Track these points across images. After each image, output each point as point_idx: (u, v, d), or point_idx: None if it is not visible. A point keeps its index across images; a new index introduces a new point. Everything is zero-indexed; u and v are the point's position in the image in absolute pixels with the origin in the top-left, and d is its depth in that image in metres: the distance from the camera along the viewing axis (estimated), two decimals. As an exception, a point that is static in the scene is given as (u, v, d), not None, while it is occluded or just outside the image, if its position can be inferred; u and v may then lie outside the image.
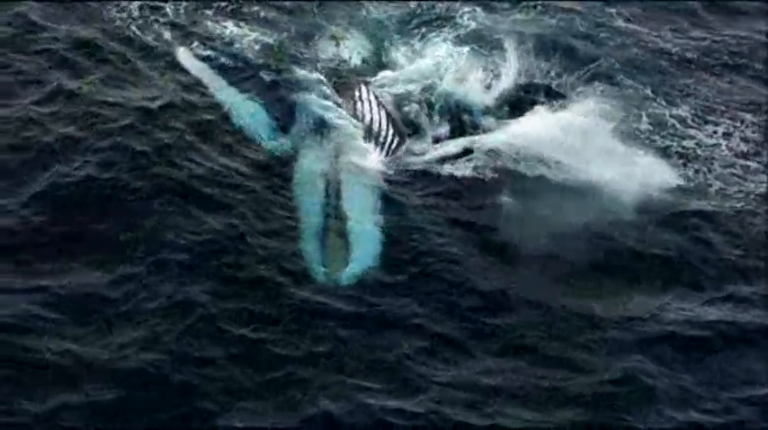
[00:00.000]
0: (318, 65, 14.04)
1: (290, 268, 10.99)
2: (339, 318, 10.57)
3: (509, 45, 14.49)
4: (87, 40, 13.69)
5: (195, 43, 14.02)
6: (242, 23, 14.72)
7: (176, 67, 13.60)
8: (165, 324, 10.16)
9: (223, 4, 15.09)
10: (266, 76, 13.63)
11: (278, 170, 12.22)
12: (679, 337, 10.78)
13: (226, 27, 14.58)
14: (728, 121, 13.96)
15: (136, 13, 14.55)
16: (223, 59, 13.83)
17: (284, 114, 13.08)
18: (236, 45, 14.20)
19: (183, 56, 13.75)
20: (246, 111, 12.96)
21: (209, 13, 14.90)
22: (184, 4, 14.98)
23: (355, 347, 10.32)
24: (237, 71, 13.68)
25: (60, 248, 10.73)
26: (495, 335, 10.68)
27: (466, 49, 14.62)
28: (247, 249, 11.09)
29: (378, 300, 10.85)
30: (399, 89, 13.82)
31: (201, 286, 10.57)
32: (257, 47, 14.22)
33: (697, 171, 13.05)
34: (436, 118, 13.47)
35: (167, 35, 14.17)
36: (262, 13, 15.05)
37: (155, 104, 12.66)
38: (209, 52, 13.93)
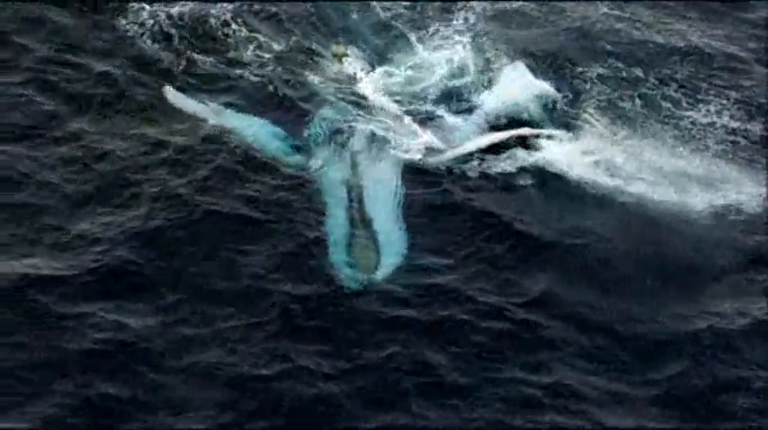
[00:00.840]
0: (324, 81, 14.37)
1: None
2: (393, 323, 11.16)
3: (509, 42, 15.20)
4: (105, 71, 13.94)
5: (193, 75, 14.15)
6: (242, 42, 14.98)
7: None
8: (246, 346, 10.79)
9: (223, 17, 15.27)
10: (275, 98, 13.97)
11: (308, 183, 12.72)
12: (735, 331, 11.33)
13: (226, 47, 14.84)
14: (716, 100, 14.78)
15: (148, 21, 14.97)
16: (226, 86, 14.12)
17: (299, 131, 13.46)
18: (238, 67, 14.46)
19: (174, 96, 13.70)
20: (261, 133, 13.21)
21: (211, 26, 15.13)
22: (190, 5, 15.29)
23: (417, 350, 10.91)
24: (243, 96, 14.00)
25: (125, 286, 11.27)
26: (551, 335, 11.16)
27: (469, 46, 15.11)
28: (302, 265, 11.64)
29: (421, 301, 11.41)
30: (409, 96, 14.23)
31: (269, 306, 11.15)
32: (259, 67, 14.48)
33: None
34: (449, 118, 13.91)
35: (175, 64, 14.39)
36: (262, 30, 15.25)
37: (183, 139, 13.08)
38: (211, 78, 14.17)
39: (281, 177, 12.77)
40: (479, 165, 13.14)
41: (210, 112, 13.45)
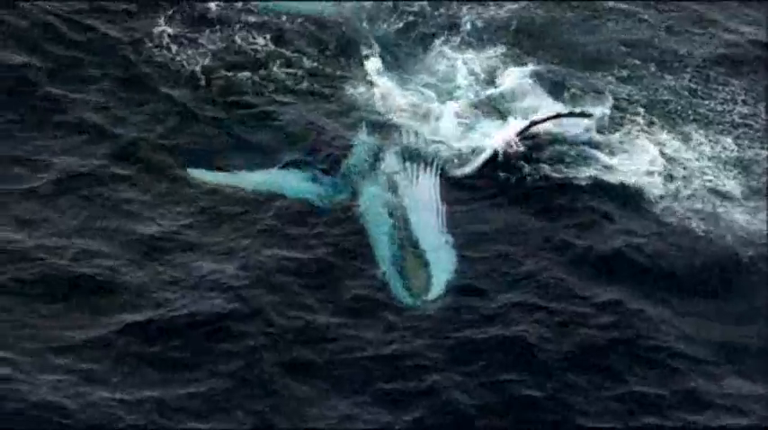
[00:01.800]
0: (354, 103, 14.45)
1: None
2: (476, 339, 11.48)
3: (524, 47, 15.51)
4: (143, 113, 13.82)
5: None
6: (271, 60, 14.91)
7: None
8: (353, 370, 11.18)
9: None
10: (310, 128, 13.93)
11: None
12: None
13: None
14: (725, 88, 15.51)
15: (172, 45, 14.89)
16: (260, 115, 14.08)
17: (337, 162, 13.46)
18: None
19: (198, 174, 13.27)
20: (296, 186, 13.11)
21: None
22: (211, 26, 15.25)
23: (509, 363, 11.26)
24: (278, 129, 13.94)
25: (237, 324, 11.53)
26: (627, 343, 11.47)
27: (486, 54, 15.36)
28: (380, 294, 11.90)
29: (498, 313, 11.74)
30: (437, 108, 14.34)
31: (364, 334, 11.47)
32: (291, 93, 14.47)
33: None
34: (478, 126, 14.12)
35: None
36: (290, 47, 15.19)
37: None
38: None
39: (336, 211, 12.87)
40: (523, 173, 13.45)
41: (240, 180, 13.22)
